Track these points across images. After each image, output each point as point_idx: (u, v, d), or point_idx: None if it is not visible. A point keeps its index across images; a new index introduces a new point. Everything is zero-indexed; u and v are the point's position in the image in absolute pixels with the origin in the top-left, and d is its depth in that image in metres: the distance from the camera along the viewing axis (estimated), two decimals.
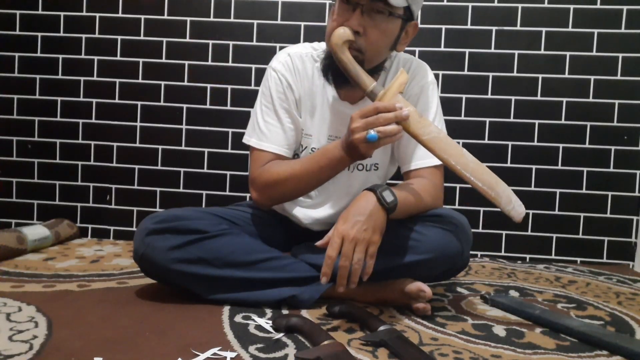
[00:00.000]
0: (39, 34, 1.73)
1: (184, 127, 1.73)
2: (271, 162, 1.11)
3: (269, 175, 1.08)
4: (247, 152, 1.63)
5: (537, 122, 1.67)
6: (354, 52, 1.00)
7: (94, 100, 1.74)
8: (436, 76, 1.65)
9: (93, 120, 1.74)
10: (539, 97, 1.67)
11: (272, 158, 1.11)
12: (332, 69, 1.05)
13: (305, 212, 1.20)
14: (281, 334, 0.88)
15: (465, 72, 1.68)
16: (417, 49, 1.66)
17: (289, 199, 1.16)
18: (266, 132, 1.12)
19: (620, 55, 1.64)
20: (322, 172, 1.04)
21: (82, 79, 1.74)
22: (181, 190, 1.75)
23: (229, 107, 1.71)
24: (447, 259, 1.02)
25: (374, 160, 1.17)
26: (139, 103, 1.73)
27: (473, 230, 1.11)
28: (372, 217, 0.92)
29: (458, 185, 1.68)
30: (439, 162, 1.10)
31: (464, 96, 1.68)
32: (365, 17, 0.99)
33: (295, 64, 1.14)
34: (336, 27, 1.00)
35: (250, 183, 1.13)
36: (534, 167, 1.68)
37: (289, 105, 1.13)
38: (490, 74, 1.67)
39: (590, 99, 1.66)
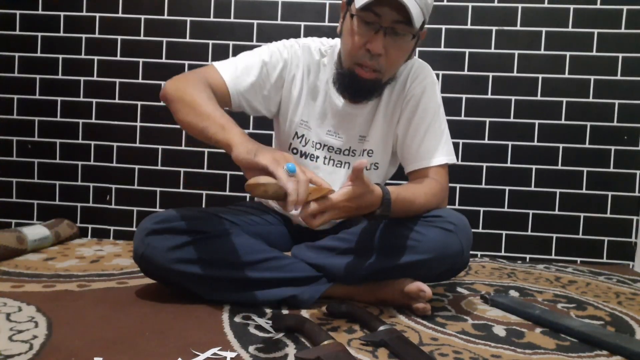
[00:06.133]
0: (39, 34, 1.73)
1: None
2: (205, 83, 1.01)
3: (186, 86, 0.98)
4: None
5: (537, 122, 1.67)
6: (374, 73, 1.02)
7: (94, 100, 1.74)
8: (436, 76, 1.65)
9: (93, 120, 1.74)
10: (539, 97, 1.67)
11: (216, 80, 1.05)
12: (343, 82, 1.07)
13: None
14: (281, 334, 0.88)
15: (465, 72, 1.68)
16: (417, 49, 1.65)
17: (175, 115, 1.00)
18: (234, 63, 1.09)
19: (620, 55, 1.64)
20: (209, 135, 0.91)
21: (82, 79, 1.74)
22: (181, 190, 1.75)
23: None
24: (447, 259, 1.02)
25: (374, 159, 1.17)
26: (139, 103, 1.73)
27: (473, 230, 1.11)
28: (359, 210, 0.90)
29: (458, 186, 1.68)
30: (443, 162, 1.10)
31: (464, 96, 1.68)
32: (387, 39, 0.99)
33: (302, 53, 1.14)
34: (357, 46, 1.00)
35: (180, 75, 1.05)
36: (534, 167, 1.68)
37: (270, 74, 1.11)
38: (490, 74, 1.67)
39: (590, 99, 1.66)
